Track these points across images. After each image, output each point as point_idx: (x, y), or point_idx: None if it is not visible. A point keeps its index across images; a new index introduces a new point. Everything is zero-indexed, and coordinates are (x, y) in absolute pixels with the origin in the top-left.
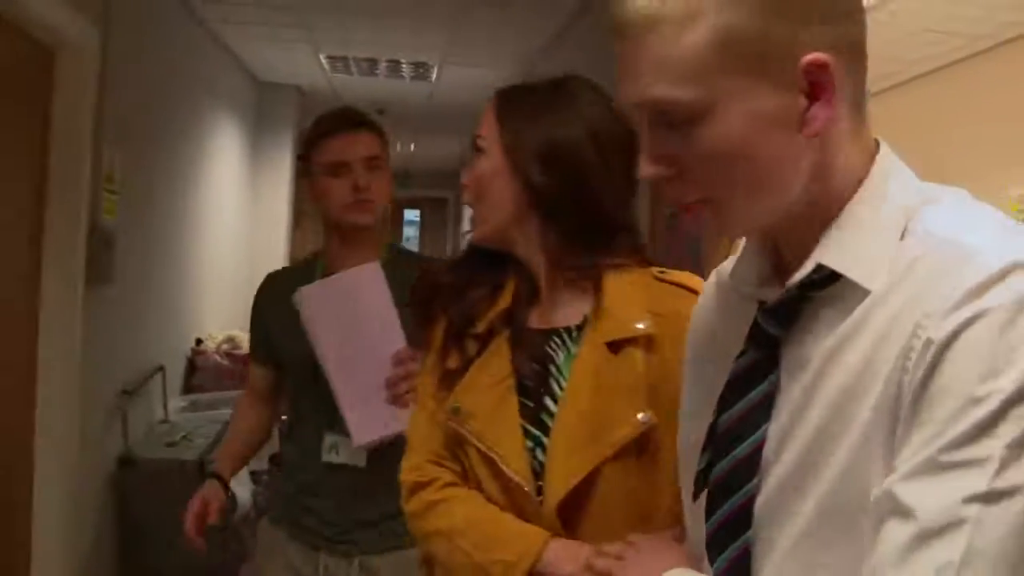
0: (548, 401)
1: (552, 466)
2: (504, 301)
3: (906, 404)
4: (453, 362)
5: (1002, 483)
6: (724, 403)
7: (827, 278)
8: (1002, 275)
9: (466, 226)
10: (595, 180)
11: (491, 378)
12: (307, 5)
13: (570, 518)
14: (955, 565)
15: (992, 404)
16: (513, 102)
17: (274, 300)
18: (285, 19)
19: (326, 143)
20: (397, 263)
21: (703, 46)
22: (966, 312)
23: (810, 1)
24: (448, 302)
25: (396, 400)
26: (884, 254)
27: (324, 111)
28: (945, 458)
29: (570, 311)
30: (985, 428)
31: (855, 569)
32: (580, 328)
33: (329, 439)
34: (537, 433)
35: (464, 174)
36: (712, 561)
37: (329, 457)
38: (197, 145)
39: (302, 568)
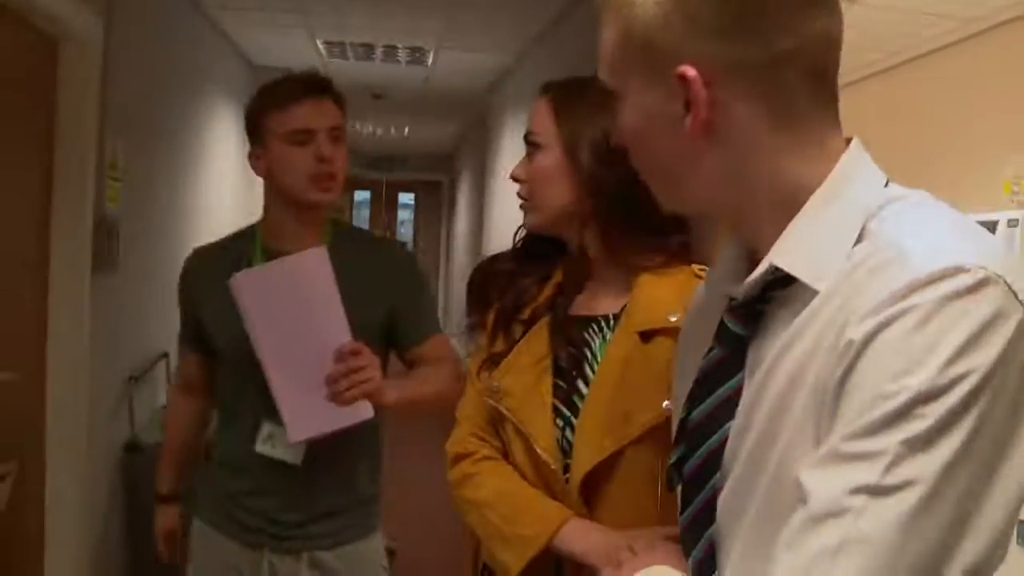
0: (581, 384)
1: (579, 445)
2: (550, 289)
3: (828, 402)
4: (500, 345)
5: (892, 478)
6: (693, 399)
7: (784, 279)
8: (931, 278)
9: (461, 209)
10: None
11: (530, 359)
12: None
13: (592, 496)
14: (831, 550)
15: (898, 401)
16: (570, 99)
17: (205, 279)
18: (282, 5)
19: (289, 110)
20: (342, 242)
21: (613, 42)
22: (886, 312)
23: (699, 18)
24: (500, 290)
25: (335, 398)
26: (836, 255)
27: (283, 75)
28: (845, 449)
29: (611, 300)
30: (887, 423)
31: None
32: (618, 317)
33: (267, 428)
34: (568, 414)
35: (517, 169)
36: (687, 556)
37: (264, 448)
38: (196, 132)
39: (245, 569)
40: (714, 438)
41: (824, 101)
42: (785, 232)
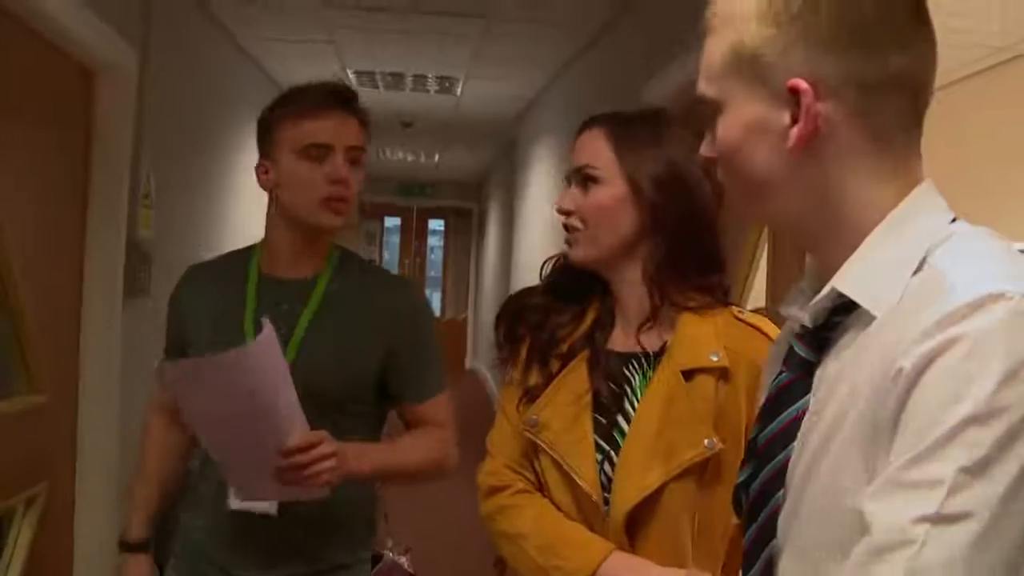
0: (620, 420)
1: (621, 480)
2: (586, 324)
3: (882, 430)
4: (534, 378)
5: (953, 507)
6: (762, 422)
7: (847, 305)
8: (974, 306)
9: (490, 237)
10: (702, 206)
11: (570, 395)
12: (336, 23)
13: (634, 530)
14: None
15: (952, 428)
16: (627, 133)
17: (193, 298)
18: (314, 35)
19: (308, 121)
20: (346, 271)
21: (721, 53)
22: (934, 341)
23: (814, 33)
24: (534, 325)
25: (286, 484)
26: (896, 284)
27: (310, 82)
28: (904, 477)
29: (651, 337)
30: (940, 450)
31: None
32: (658, 354)
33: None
34: (607, 448)
35: (566, 200)
36: (746, 572)
37: (235, 503)
38: (227, 160)
39: None
40: (778, 459)
41: (913, 126)
42: (851, 259)
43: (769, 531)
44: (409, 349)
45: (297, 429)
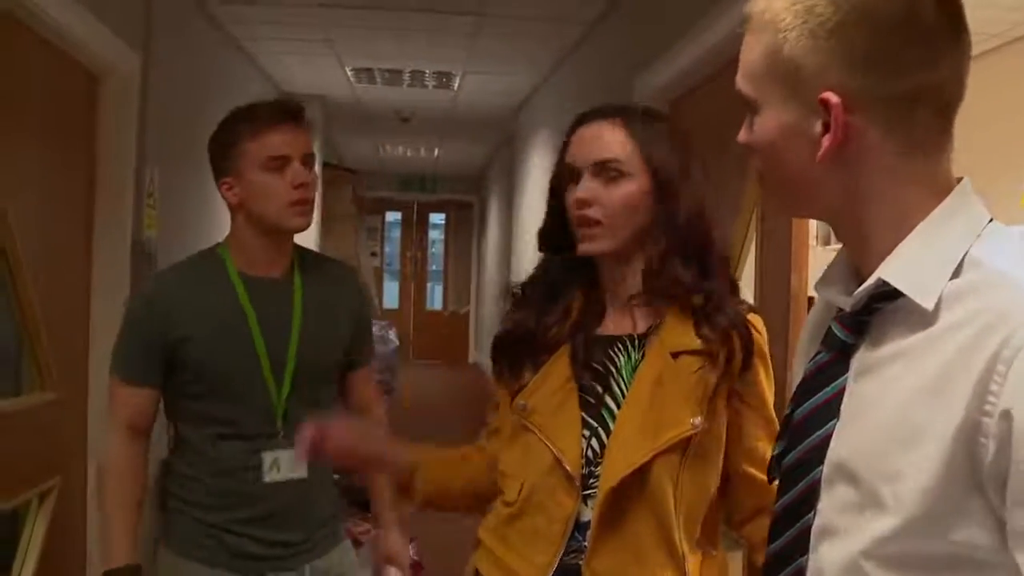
0: (608, 399)
1: (612, 454)
2: (573, 315)
3: (991, 464)
4: (529, 376)
5: None
6: (797, 399)
7: (891, 293)
8: None
9: (491, 229)
10: (707, 199)
11: (556, 381)
12: (333, 22)
13: (621, 503)
14: None
15: None
16: (645, 127)
17: (186, 302)
18: (312, 34)
19: (266, 136)
20: (308, 266)
21: (760, 56)
22: None
23: (849, 49)
24: (531, 348)
25: None
26: (940, 276)
27: (252, 102)
28: None
29: (638, 321)
30: None
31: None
32: (643, 337)
33: (269, 457)
34: (595, 425)
35: (587, 192)
36: (773, 540)
37: (271, 475)
38: None
39: None
40: (815, 435)
41: (944, 131)
42: (896, 250)
43: (806, 503)
44: (363, 325)
45: None
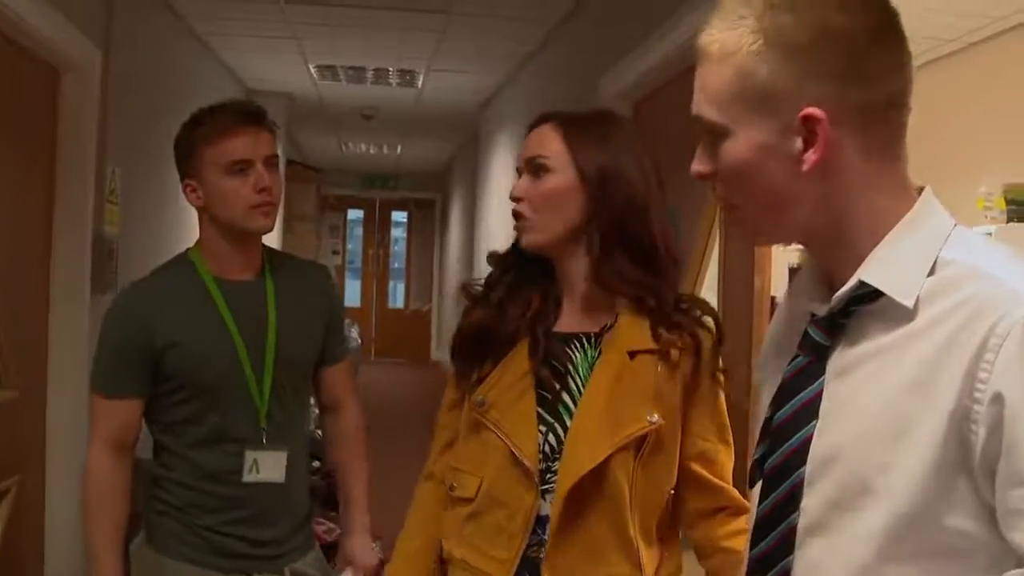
0: (565, 396)
1: (571, 450)
2: (532, 309)
3: (982, 451)
4: (488, 368)
5: None
6: (778, 403)
7: (869, 295)
8: None
9: (453, 228)
10: (646, 200)
11: (513, 375)
12: (298, 18)
13: (578, 499)
14: None
15: None
16: (579, 129)
17: (169, 310)
18: (276, 31)
19: (227, 141)
20: (278, 266)
21: (727, 81)
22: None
23: (819, 62)
24: (492, 343)
25: None
26: (917, 276)
27: (214, 104)
28: None
29: (593, 319)
30: None
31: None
32: (599, 335)
33: (250, 457)
34: (551, 420)
35: (518, 189)
36: (756, 544)
37: (250, 476)
38: None
39: None
40: (796, 437)
41: (903, 137)
42: (873, 253)
43: (790, 504)
44: (335, 320)
45: None
